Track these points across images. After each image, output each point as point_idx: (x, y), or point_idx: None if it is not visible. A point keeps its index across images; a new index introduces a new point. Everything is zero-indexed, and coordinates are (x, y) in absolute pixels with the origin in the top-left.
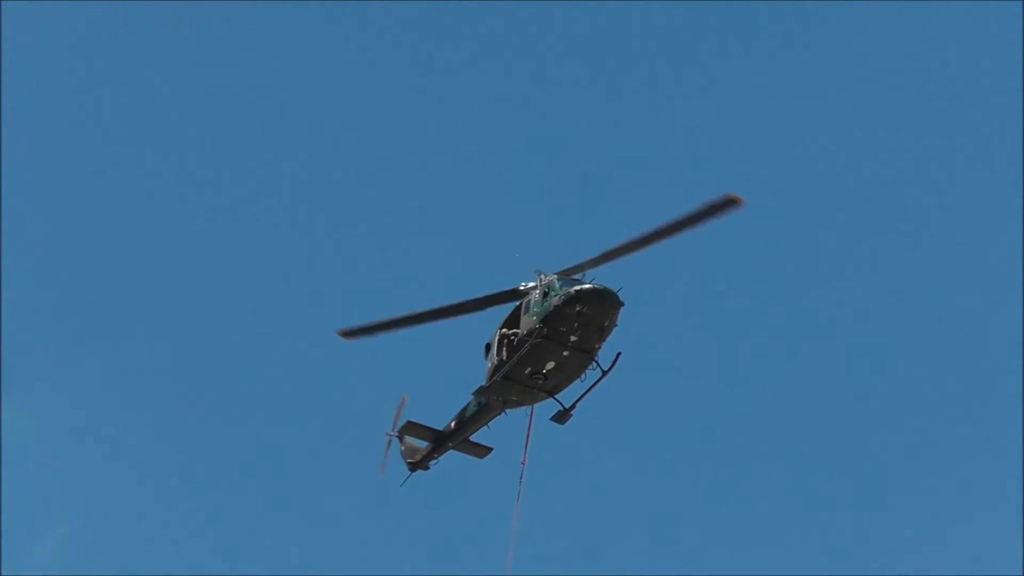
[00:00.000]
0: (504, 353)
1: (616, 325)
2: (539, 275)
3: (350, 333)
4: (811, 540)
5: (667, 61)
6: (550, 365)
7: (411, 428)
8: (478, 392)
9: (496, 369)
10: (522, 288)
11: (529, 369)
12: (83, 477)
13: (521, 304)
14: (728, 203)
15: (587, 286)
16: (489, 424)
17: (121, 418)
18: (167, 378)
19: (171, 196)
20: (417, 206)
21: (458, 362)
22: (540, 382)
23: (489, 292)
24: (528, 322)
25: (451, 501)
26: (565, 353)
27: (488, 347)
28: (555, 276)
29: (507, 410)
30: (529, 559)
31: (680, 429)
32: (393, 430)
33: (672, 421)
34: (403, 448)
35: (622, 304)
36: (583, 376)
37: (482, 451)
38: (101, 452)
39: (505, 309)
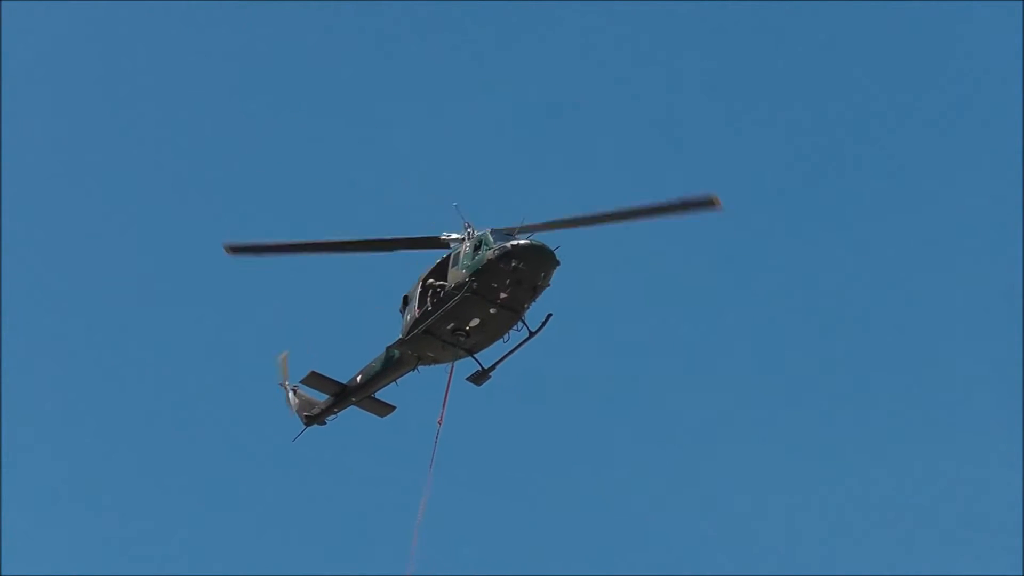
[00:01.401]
0: (428, 305)
1: (549, 285)
2: (467, 227)
3: (238, 249)
4: (812, 540)
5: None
6: (475, 322)
7: (314, 380)
8: (395, 345)
9: (416, 322)
10: (443, 237)
11: (452, 325)
12: (83, 477)
13: (449, 256)
14: (706, 203)
15: (524, 241)
16: (398, 380)
17: (121, 418)
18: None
19: (171, 196)
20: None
21: (364, 312)
22: (462, 339)
23: (407, 235)
24: (457, 275)
25: (350, 461)
26: (492, 311)
27: (406, 299)
28: (488, 230)
29: (420, 367)
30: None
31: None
32: (284, 382)
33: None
34: (297, 401)
35: (558, 263)
36: (506, 336)
37: (385, 409)
38: (101, 452)
39: (418, 257)
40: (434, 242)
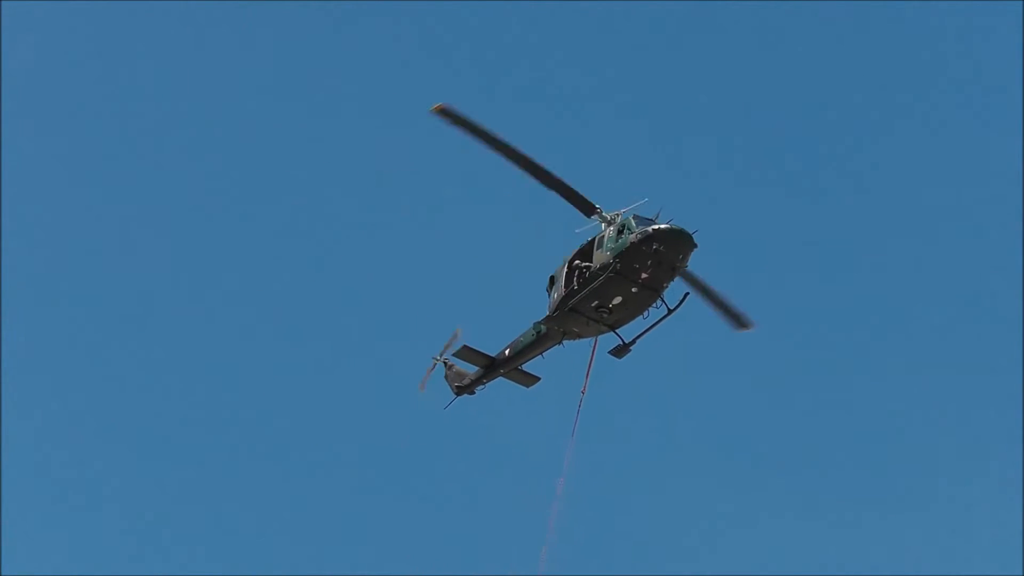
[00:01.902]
0: (574, 284)
1: (687, 266)
2: (603, 218)
3: (447, 112)
4: (811, 540)
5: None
6: (617, 300)
7: (466, 353)
8: (543, 321)
9: (564, 300)
10: (598, 208)
11: (596, 302)
12: (83, 476)
13: (594, 239)
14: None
15: (664, 226)
16: (544, 354)
17: (121, 417)
18: (168, 378)
19: (170, 196)
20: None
21: (511, 289)
22: (605, 316)
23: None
24: (601, 256)
25: (500, 428)
26: (634, 289)
27: (553, 280)
28: (632, 215)
29: (565, 341)
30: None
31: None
32: (440, 356)
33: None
34: (449, 373)
35: (696, 246)
36: (646, 313)
37: (530, 380)
38: (100, 451)
39: (563, 240)
40: (588, 208)
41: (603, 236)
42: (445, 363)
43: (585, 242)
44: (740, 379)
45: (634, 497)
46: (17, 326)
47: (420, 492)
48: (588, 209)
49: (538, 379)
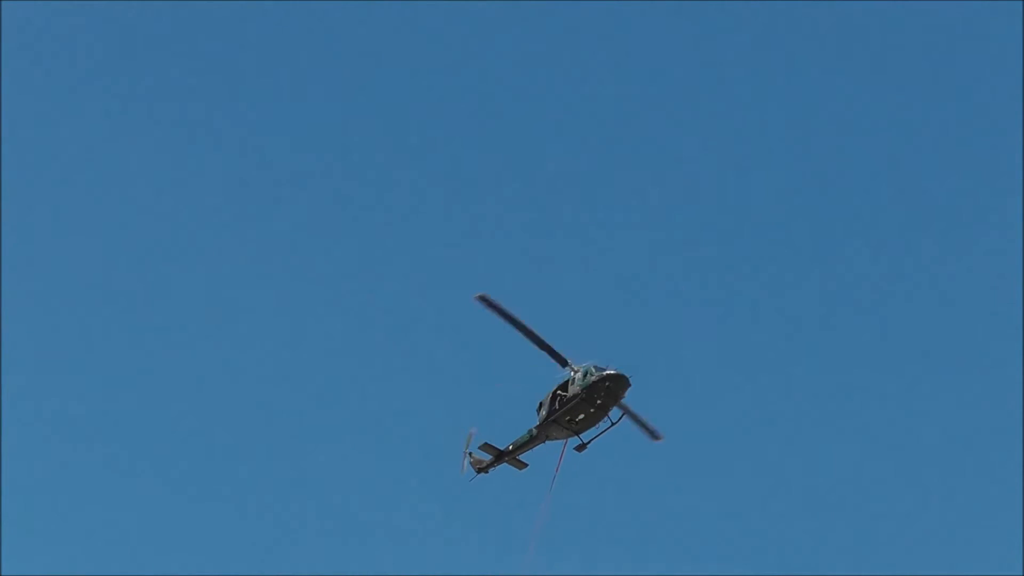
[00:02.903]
0: (555, 405)
1: (624, 396)
2: (573, 368)
3: (489, 303)
4: (812, 540)
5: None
6: (581, 416)
7: (485, 446)
8: (536, 427)
9: (548, 415)
10: (568, 362)
11: (568, 417)
12: (83, 475)
13: (567, 380)
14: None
15: (613, 371)
16: (533, 448)
17: (121, 417)
18: (171, 378)
19: (170, 195)
20: None
21: (512, 412)
22: (573, 426)
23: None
24: (574, 389)
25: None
26: (592, 409)
27: (540, 404)
28: (592, 364)
29: (547, 441)
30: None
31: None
32: (466, 449)
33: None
34: (472, 460)
35: (630, 385)
36: (599, 425)
37: (522, 465)
38: (100, 450)
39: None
40: (563, 362)
41: (574, 377)
42: (470, 455)
43: (560, 384)
44: (733, 379)
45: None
46: (17, 326)
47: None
48: (563, 363)
49: (527, 465)
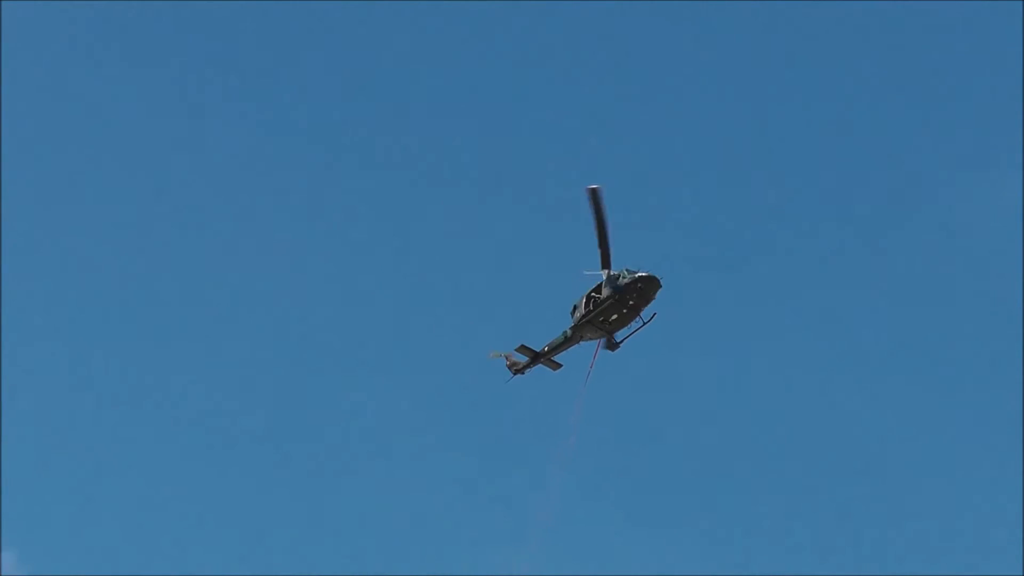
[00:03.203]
0: (590, 307)
1: (655, 298)
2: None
3: (596, 198)
4: (812, 540)
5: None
6: (614, 316)
7: (521, 348)
8: (570, 328)
9: (583, 317)
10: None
11: (602, 318)
12: (82, 476)
13: (601, 283)
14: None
15: (644, 274)
16: (568, 349)
17: (121, 416)
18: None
19: (169, 195)
20: None
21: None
22: (607, 326)
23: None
24: (607, 291)
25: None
26: (624, 310)
27: (575, 307)
28: (624, 268)
29: (582, 341)
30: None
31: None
32: (504, 354)
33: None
34: (508, 363)
35: (661, 286)
36: (631, 324)
37: (556, 366)
38: (99, 451)
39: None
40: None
41: (607, 280)
42: (506, 356)
43: (593, 287)
44: (727, 379)
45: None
46: (17, 326)
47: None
48: (607, 266)
49: (561, 365)
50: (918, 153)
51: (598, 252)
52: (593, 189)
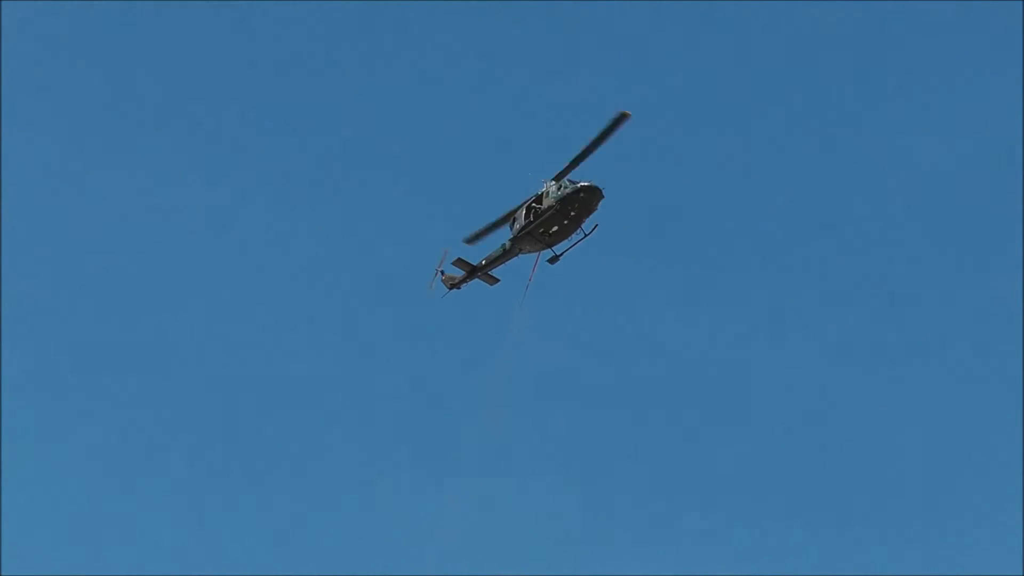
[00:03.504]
0: (530, 218)
1: (597, 209)
2: (545, 181)
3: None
4: (812, 540)
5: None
6: (555, 228)
7: (458, 262)
8: (509, 241)
9: (522, 228)
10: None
11: (542, 229)
12: (83, 475)
13: (541, 193)
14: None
15: (586, 183)
16: (506, 263)
17: (121, 416)
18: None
19: (169, 194)
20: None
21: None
22: (546, 238)
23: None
24: (549, 201)
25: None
26: (565, 221)
27: (513, 219)
28: (566, 179)
29: (521, 255)
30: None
31: None
32: (438, 267)
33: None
34: (444, 278)
35: (603, 197)
36: (571, 237)
37: (493, 280)
38: (100, 450)
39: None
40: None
41: (548, 190)
42: (442, 273)
43: (532, 197)
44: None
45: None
46: (17, 326)
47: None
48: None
49: (498, 280)
50: (918, 152)
51: (565, 165)
52: (624, 114)
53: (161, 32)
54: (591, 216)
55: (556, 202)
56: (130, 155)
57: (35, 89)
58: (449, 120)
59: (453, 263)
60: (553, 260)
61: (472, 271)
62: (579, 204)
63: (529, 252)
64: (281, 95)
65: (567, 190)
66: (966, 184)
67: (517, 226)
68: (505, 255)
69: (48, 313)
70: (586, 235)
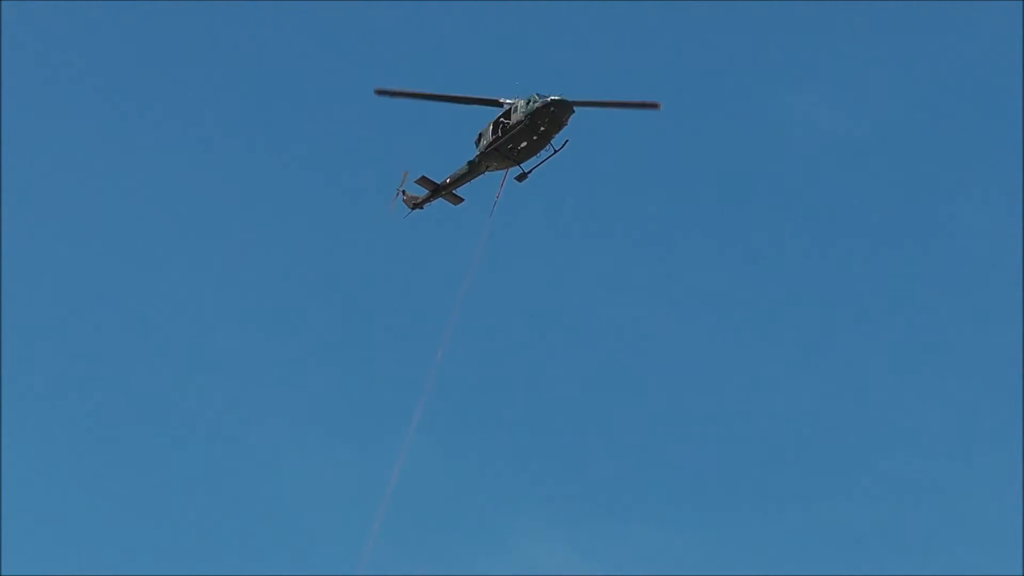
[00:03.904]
0: (498, 134)
1: (567, 124)
2: (516, 100)
3: (385, 92)
4: (813, 540)
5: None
6: (523, 144)
7: (422, 180)
8: (476, 158)
9: (490, 144)
10: (501, 100)
11: (511, 145)
12: (82, 475)
13: (511, 107)
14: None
15: (556, 97)
16: (471, 181)
17: (121, 416)
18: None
19: (169, 194)
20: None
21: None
22: (515, 155)
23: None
24: (517, 116)
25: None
26: (535, 137)
27: (480, 136)
28: (534, 93)
29: (487, 172)
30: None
31: None
32: (399, 188)
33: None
34: (405, 198)
35: (574, 111)
36: (539, 153)
37: (458, 200)
38: (99, 450)
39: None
40: (495, 103)
41: (516, 106)
42: (403, 192)
43: (503, 110)
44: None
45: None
46: (17, 326)
47: None
48: (498, 103)
49: (463, 200)
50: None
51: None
52: (654, 104)
53: (160, 33)
54: (561, 132)
55: (525, 116)
56: (131, 155)
57: (35, 89)
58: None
59: (416, 181)
60: (521, 177)
61: (436, 190)
62: (549, 119)
63: (496, 169)
64: (283, 95)
65: (537, 104)
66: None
67: (484, 142)
68: (471, 172)
69: (48, 313)
70: (556, 151)
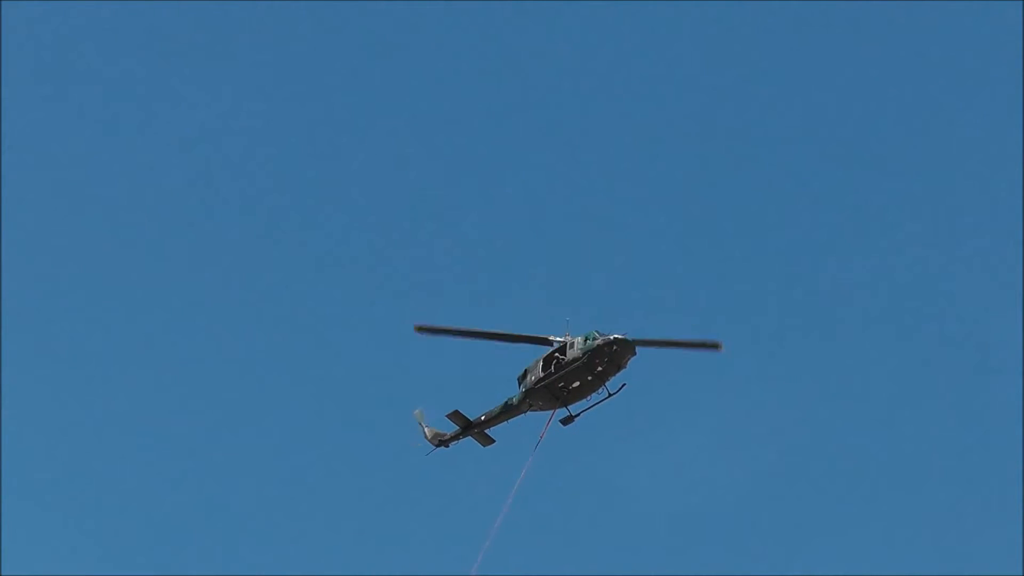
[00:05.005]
0: (550, 369)
1: (626, 367)
2: (567, 335)
3: (426, 329)
4: (813, 540)
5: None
6: (576, 383)
7: (454, 415)
8: (520, 394)
9: (539, 380)
10: (551, 338)
11: (562, 384)
12: (82, 475)
13: (565, 343)
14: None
15: (620, 336)
16: (507, 421)
17: (121, 416)
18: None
19: (169, 195)
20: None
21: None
22: (565, 395)
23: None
24: (573, 353)
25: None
26: (590, 377)
27: (526, 372)
28: (594, 330)
29: (530, 411)
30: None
31: None
32: (421, 424)
33: None
34: (428, 434)
35: (635, 353)
36: (590, 396)
37: (488, 441)
38: (100, 451)
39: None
40: (544, 340)
41: (575, 342)
42: (425, 427)
43: (555, 347)
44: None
45: None
46: (17, 326)
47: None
48: (547, 342)
49: (494, 441)
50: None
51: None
52: (715, 344)
53: (160, 32)
54: (619, 374)
55: (583, 354)
56: (130, 156)
57: (35, 89)
58: None
59: (447, 416)
60: (567, 421)
61: (467, 427)
62: (608, 358)
63: (540, 410)
64: (283, 95)
65: (597, 341)
66: None
67: (532, 378)
68: (510, 411)
69: (48, 313)
70: (610, 395)
